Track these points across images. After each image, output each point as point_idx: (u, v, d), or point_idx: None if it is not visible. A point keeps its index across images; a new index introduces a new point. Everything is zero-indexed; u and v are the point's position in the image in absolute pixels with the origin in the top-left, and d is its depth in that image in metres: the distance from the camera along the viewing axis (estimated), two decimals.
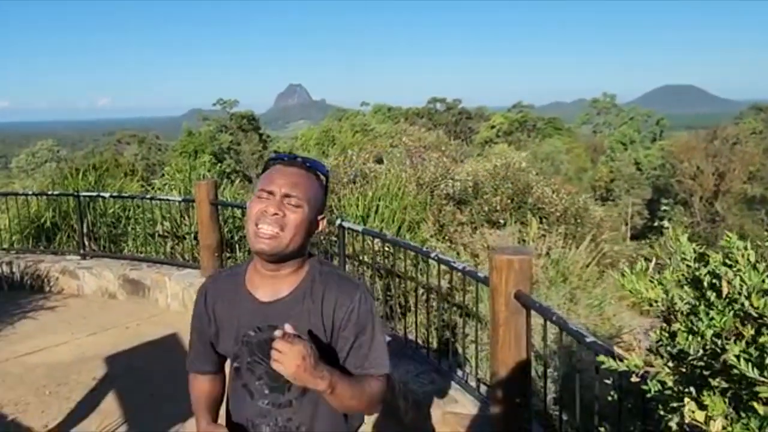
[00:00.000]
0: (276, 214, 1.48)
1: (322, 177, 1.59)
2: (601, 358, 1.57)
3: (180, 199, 6.73)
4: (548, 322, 2.54)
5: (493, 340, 2.81)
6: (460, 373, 3.50)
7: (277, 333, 1.38)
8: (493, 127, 53.42)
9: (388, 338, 4.00)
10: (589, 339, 2.16)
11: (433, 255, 3.47)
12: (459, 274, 3.47)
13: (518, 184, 7.70)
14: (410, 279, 3.96)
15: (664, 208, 36.55)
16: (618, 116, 62.11)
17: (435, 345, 3.89)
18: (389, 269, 4.28)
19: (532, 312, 2.70)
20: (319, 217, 1.58)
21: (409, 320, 4.38)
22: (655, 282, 1.60)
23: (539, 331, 3.10)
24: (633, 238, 33.60)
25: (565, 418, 2.78)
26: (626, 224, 36.36)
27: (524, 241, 6.84)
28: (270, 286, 1.57)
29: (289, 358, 1.34)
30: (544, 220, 7.40)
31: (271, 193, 1.50)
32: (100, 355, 4.73)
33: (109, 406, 3.95)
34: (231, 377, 1.67)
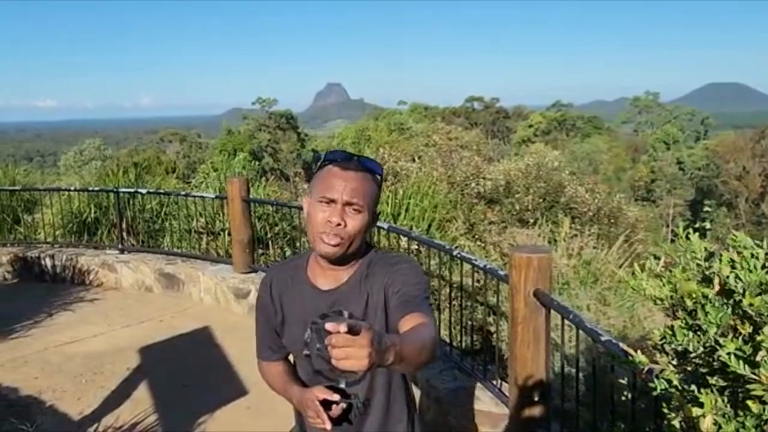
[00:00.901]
0: (339, 224, 1.56)
1: (377, 176, 1.65)
2: (615, 356, 1.58)
3: (213, 195, 6.89)
4: (566, 321, 2.54)
5: (512, 338, 2.82)
6: (482, 371, 3.51)
7: (329, 326, 1.16)
8: (531, 126, 52.81)
9: None
10: (604, 338, 2.16)
11: (455, 253, 3.49)
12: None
13: (550, 184, 7.62)
14: (437, 277, 3.98)
15: (707, 209, 35.58)
16: (661, 115, 60.70)
17: (460, 343, 3.91)
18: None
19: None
20: (377, 212, 1.67)
21: (435, 318, 4.41)
22: (665, 280, 1.60)
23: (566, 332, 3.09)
24: (674, 239, 32.77)
25: (584, 417, 2.77)
26: (667, 226, 35.52)
27: (555, 240, 6.78)
28: (331, 276, 1.66)
29: (357, 351, 1.17)
30: (576, 219, 7.32)
31: (332, 201, 1.56)
32: (135, 346, 4.89)
33: (142, 395, 4.08)
34: (299, 364, 1.74)
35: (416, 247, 4.27)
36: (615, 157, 41.40)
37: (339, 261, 1.63)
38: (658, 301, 1.50)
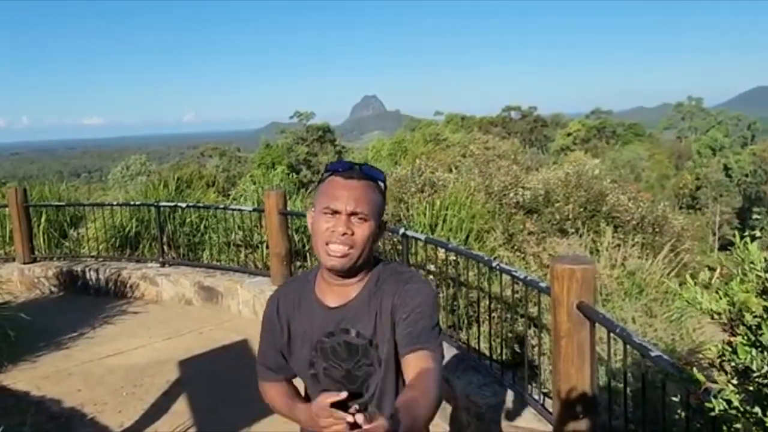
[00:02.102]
0: (345, 233, 1.52)
1: (381, 184, 1.61)
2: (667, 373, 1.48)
3: (251, 208, 6.93)
4: (612, 335, 2.43)
5: (555, 352, 2.72)
6: (524, 386, 3.40)
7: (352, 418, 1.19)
8: (569, 134, 52.02)
9: (455, 350, 3.97)
10: (654, 353, 2.05)
11: (494, 264, 3.40)
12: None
13: (591, 192, 7.44)
14: (476, 289, 3.90)
15: (755, 217, 34.36)
16: (705, 120, 59.12)
17: (500, 356, 3.81)
18: (455, 278, 4.23)
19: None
20: (383, 221, 1.62)
21: (474, 331, 4.32)
22: (721, 293, 1.50)
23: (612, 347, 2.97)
24: (722, 248, 31.75)
25: None
26: (714, 234, 34.44)
27: (597, 251, 6.59)
28: (339, 292, 1.61)
29: None
30: (619, 229, 7.12)
31: (336, 211, 1.53)
32: (174, 358, 4.92)
33: (181, 407, 4.10)
34: (306, 386, 1.69)
35: (454, 258, 4.18)
36: (657, 164, 40.44)
37: (347, 275, 1.58)
38: (715, 316, 1.40)
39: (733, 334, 1.44)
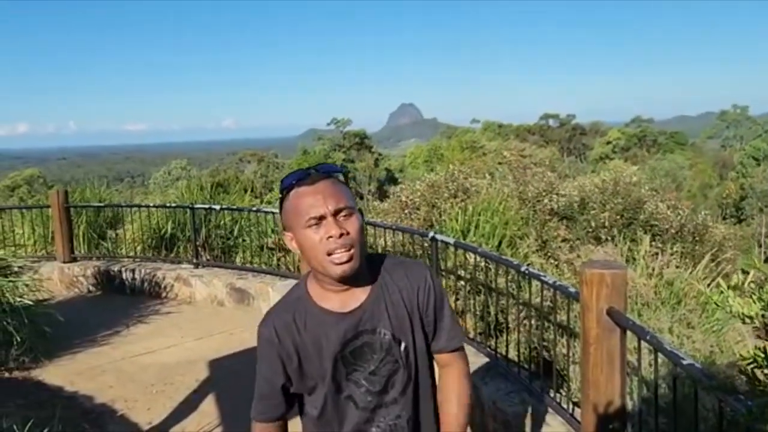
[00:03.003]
0: (342, 233, 1.44)
1: (341, 175, 1.58)
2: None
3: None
4: (643, 343, 2.34)
5: (584, 359, 2.64)
6: (552, 394, 3.32)
7: None
8: (609, 142, 51.13)
9: (484, 357, 3.91)
10: (686, 361, 1.96)
11: (523, 268, 3.34)
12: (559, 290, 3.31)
13: (628, 200, 7.26)
14: (507, 295, 3.82)
15: None
16: (751, 129, 57.38)
17: (528, 363, 3.72)
18: (486, 285, 4.17)
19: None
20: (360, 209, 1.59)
21: (504, 338, 4.24)
22: (755, 297, 1.43)
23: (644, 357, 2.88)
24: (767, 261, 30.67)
25: None
26: (759, 246, 33.31)
27: (633, 259, 6.43)
28: (347, 297, 1.54)
29: None
30: (657, 237, 6.92)
31: (321, 217, 1.45)
32: (205, 358, 4.97)
33: (209, 407, 4.13)
34: (326, 401, 1.57)
35: (485, 264, 4.12)
36: (700, 173, 39.38)
37: (352, 278, 1.50)
38: (747, 320, 1.33)
39: None
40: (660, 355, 2.22)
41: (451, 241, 4.19)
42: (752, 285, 1.47)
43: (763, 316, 1.38)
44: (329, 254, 1.45)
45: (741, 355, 1.40)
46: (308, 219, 1.45)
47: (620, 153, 46.37)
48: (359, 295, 1.54)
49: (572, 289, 2.90)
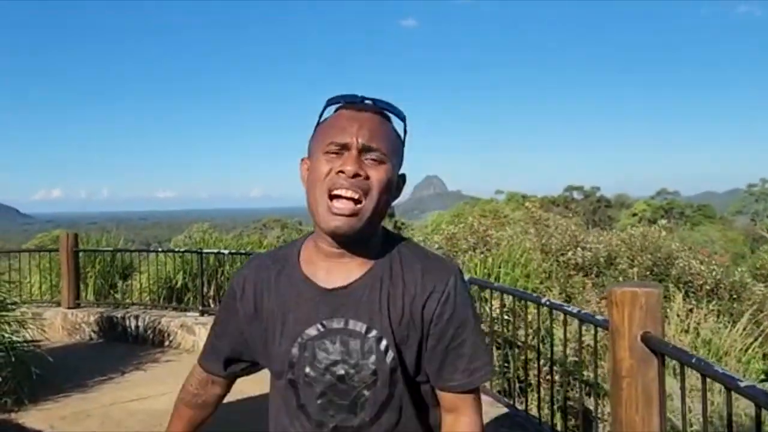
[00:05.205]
0: (357, 174, 1.10)
1: (403, 123, 1.21)
2: None
3: None
4: (687, 369, 1.97)
5: (615, 396, 2.26)
6: None
7: None
8: (634, 214, 50.39)
9: (503, 409, 3.51)
10: (744, 383, 1.60)
11: (543, 300, 2.99)
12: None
13: (658, 255, 6.87)
14: (530, 348, 3.45)
15: None
16: None
17: (559, 422, 3.31)
18: (508, 338, 3.81)
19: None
20: (402, 174, 1.21)
21: (530, 396, 3.84)
22: None
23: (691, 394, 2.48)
24: None
25: None
26: None
27: (666, 316, 5.99)
28: (337, 269, 1.18)
29: None
30: (690, 294, 6.49)
31: (344, 146, 1.11)
32: None
33: None
34: (278, 394, 1.23)
35: (498, 304, 3.78)
36: (731, 242, 38.41)
37: (352, 243, 1.15)
38: None
39: None
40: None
41: (467, 277, 3.87)
42: None
43: None
44: (331, 194, 1.11)
45: None
46: (330, 143, 1.13)
47: (647, 225, 45.66)
48: (352, 270, 1.17)
49: (600, 317, 2.54)
